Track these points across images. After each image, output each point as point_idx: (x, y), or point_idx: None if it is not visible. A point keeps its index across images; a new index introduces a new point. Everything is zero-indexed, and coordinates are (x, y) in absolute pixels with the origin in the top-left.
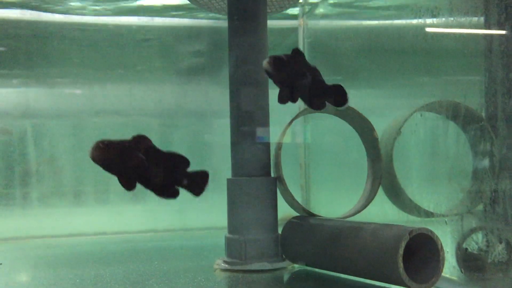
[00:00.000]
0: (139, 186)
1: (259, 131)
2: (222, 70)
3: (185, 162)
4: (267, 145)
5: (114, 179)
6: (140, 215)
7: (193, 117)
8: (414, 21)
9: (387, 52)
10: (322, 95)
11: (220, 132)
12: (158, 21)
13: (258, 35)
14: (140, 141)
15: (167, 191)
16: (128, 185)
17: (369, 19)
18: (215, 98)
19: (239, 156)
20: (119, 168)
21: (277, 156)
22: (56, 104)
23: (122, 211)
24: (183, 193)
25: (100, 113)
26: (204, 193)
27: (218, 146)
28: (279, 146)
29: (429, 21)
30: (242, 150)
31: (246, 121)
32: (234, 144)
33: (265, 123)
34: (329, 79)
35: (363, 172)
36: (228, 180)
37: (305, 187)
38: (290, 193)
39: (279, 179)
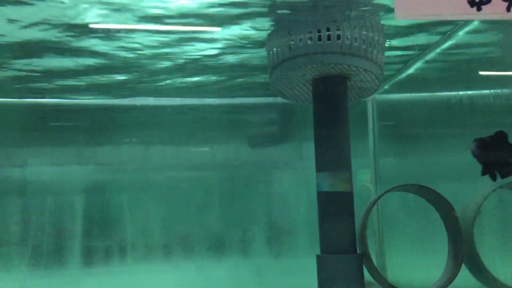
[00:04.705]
0: None
1: (345, 212)
2: (289, 134)
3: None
4: (353, 223)
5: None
6: (225, 275)
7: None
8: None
9: (457, 122)
10: None
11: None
12: (239, 99)
13: (340, 123)
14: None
15: None
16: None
17: (437, 91)
18: (282, 155)
19: (327, 234)
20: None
21: (363, 236)
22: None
23: (206, 267)
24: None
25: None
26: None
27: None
28: (364, 225)
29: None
30: (329, 228)
31: (332, 203)
32: (322, 223)
33: (350, 203)
34: (396, 146)
35: (438, 239)
36: (317, 256)
37: (379, 254)
38: (377, 270)
39: (365, 256)
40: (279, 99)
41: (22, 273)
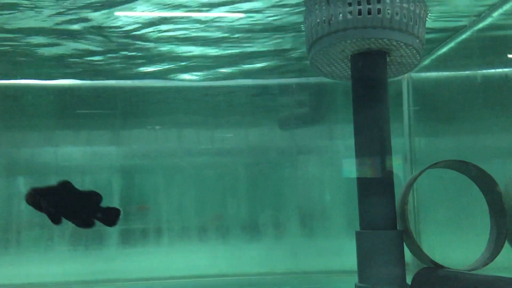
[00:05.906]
0: None
1: (383, 189)
2: (321, 115)
3: (98, 197)
4: (393, 199)
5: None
6: (258, 255)
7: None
8: None
9: (491, 100)
10: None
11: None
12: (271, 80)
13: (380, 100)
14: (63, 184)
15: (84, 222)
16: (54, 221)
17: (472, 69)
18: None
19: (367, 210)
20: (45, 208)
21: (403, 211)
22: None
23: (240, 248)
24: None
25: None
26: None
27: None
28: (404, 201)
29: None
30: (369, 205)
31: (372, 181)
32: (361, 200)
33: (390, 182)
34: (432, 126)
35: (476, 218)
36: (357, 232)
37: (416, 232)
38: (418, 246)
39: (406, 232)
40: (311, 80)
41: (63, 252)
